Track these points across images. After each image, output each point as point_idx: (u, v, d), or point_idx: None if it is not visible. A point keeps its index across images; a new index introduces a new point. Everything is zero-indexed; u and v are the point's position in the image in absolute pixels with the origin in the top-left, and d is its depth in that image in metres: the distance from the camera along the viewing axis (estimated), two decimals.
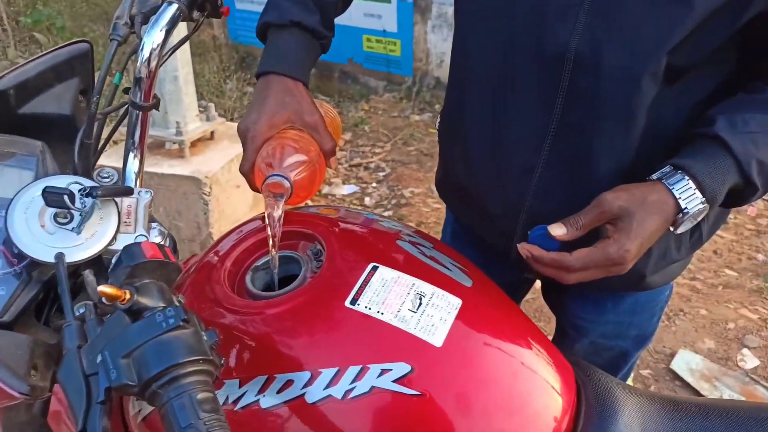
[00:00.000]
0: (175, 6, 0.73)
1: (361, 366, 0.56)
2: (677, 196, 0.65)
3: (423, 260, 0.67)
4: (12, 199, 0.61)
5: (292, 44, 0.77)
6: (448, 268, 0.67)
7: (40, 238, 0.60)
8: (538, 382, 0.62)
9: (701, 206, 0.65)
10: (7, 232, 0.60)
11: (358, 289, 0.61)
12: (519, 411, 0.60)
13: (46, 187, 0.59)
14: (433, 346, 0.58)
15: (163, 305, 0.50)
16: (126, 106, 0.75)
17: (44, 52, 0.73)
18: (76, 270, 0.63)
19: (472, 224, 0.94)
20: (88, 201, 0.62)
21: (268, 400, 0.57)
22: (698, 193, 0.65)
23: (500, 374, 0.60)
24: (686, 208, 0.65)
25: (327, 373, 0.56)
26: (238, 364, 0.60)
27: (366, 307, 0.60)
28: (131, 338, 0.47)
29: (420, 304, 0.61)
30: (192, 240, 2.18)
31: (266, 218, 0.67)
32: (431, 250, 0.70)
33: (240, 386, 0.58)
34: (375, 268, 0.63)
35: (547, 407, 0.62)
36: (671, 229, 0.67)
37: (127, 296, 0.49)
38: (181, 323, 0.47)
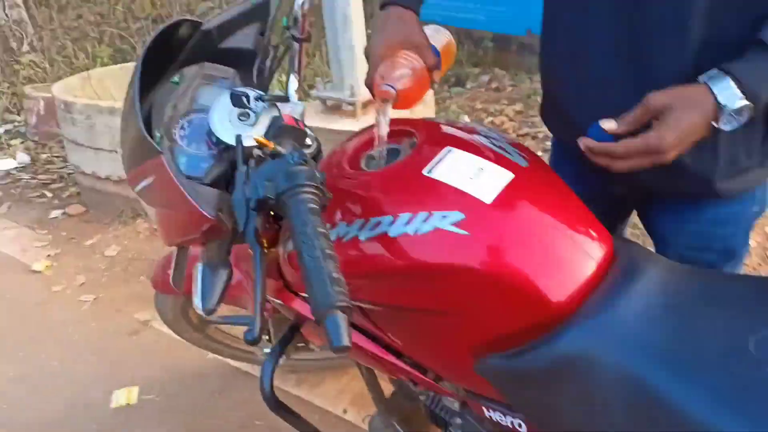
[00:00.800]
0: None
1: (428, 212, 0.77)
2: (715, 93, 0.73)
3: (491, 147, 0.84)
4: (212, 105, 0.92)
5: None
6: (510, 153, 0.84)
7: (229, 130, 0.90)
8: (573, 243, 0.77)
9: (740, 102, 0.72)
10: (209, 126, 0.90)
11: (435, 163, 0.81)
12: (551, 261, 0.75)
13: (233, 91, 0.88)
14: (483, 202, 0.76)
15: (291, 151, 0.76)
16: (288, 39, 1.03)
17: (236, 3, 1.04)
18: (250, 153, 0.92)
19: (565, 138, 1.07)
20: (260, 105, 0.90)
21: (364, 234, 0.80)
22: (737, 90, 0.72)
23: (538, 230, 0.76)
24: (725, 104, 0.73)
25: (403, 217, 0.78)
26: (345, 213, 0.84)
27: (437, 175, 0.79)
28: (271, 169, 0.73)
29: (479, 174, 0.79)
30: None
31: (376, 118, 0.89)
32: (501, 141, 0.87)
33: (347, 226, 0.82)
34: (450, 150, 0.83)
35: (578, 262, 0.76)
36: (715, 125, 0.75)
37: (271, 145, 0.76)
38: (302, 162, 0.72)
